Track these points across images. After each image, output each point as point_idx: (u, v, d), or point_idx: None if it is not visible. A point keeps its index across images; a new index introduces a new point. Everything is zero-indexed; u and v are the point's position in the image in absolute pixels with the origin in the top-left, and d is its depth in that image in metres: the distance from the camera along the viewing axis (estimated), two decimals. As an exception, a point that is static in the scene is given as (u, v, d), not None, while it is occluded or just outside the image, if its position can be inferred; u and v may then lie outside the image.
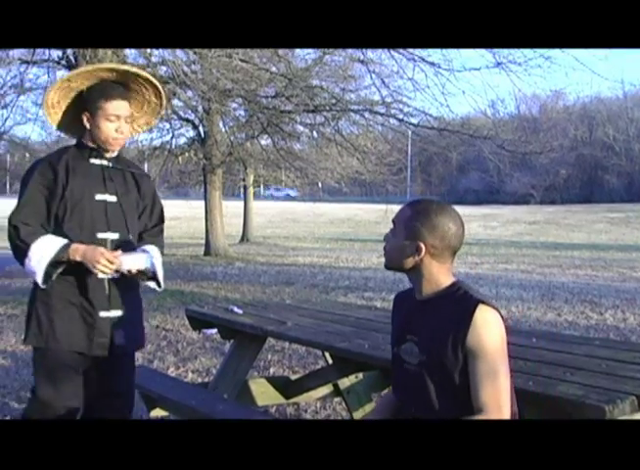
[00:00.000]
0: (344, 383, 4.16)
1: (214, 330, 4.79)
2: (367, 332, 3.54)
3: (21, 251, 2.64)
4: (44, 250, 2.61)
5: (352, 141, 12.64)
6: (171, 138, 15.80)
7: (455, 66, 9.47)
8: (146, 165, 16.82)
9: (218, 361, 5.39)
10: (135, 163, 3.18)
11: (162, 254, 2.96)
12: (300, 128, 13.80)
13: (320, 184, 22.48)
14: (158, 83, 2.85)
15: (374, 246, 18.95)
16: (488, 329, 1.96)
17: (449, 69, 9.42)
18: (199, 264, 14.32)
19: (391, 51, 9.31)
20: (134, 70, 2.85)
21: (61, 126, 2.85)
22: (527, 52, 8.94)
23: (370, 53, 9.82)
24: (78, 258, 2.61)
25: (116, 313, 2.74)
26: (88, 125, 2.73)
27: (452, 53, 12.42)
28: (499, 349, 1.97)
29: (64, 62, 8.81)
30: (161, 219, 3.01)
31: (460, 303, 2.01)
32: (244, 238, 22.21)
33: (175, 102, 12.28)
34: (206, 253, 16.52)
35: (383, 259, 2.15)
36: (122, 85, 2.78)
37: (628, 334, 6.88)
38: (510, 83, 9.61)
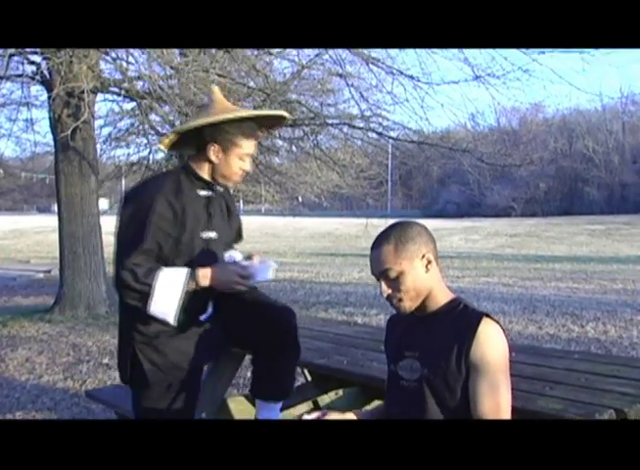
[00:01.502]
0: (324, 400, 4.14)
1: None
2: (346, 348, 3.55)
3: (142, 294, 2.46)
4: (171, 285, 2.47)
5: (332, 155, 12.66)
6: (149, 153, 15.73)
7: (434, 79, 9.50)
8: (123, 182, 16.74)
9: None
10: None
11: None
12: (279, 142, 13.81)
13: (300, 198, 22.47)
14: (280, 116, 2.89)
15: (355, 260, 18.96)
16: (492, 343, 1.97)
17: (428, 82, 9.49)
18: (178, 281, 14.21)
19: (370, 65, 9.36)
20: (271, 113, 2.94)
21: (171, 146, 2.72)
22: (506, 65, 9.03)
23: (349, 66, 9.87)
24: (208, 283, 2.54)
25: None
26: (215, 158, 2.63)
27: (431, 66, 12.56)
28: (502, 363, 1.98)
29: (38, 77, 8.78)
30: (241, 235, 3.02)
31: (463, 317, 2.03)
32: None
33: (152, 117, 12.26)
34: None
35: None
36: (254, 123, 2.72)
37: (609, 346, 6.91)
38: (489, 96, 9.73)
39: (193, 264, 2.56)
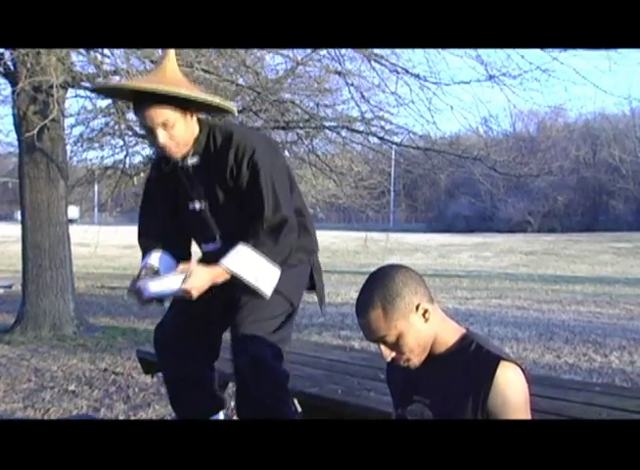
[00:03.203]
0: (316, 433, 4.13)
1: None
2: (341, 376, 3.54)
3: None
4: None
5: (328, 161, 12.68)
6: (125, 156, 15.72)
7: (443, 78, 9.52)
8: (96, 187, 16.75)
9: (174, 409, 5.34)
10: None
11: None
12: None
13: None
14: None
15: (352, 278, 18.95)
16: (512, 390, 1.96)
17: (436, 82, 9.52)
18: (155, 299, 14.21)
19: (372, 62, 9.39)
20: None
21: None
22: (523, 64, 9.05)
23: (348, 64, 9.90)
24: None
25: None
26: None
27: (440, 65, 12.61)
28: (523, 410, 1.98)
29: (1, 69, 8.77)
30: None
31: (477, 360, 2.01)
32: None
33: (130, 116, 12.27)
34: (164, 285, 16.40)
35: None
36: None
37: (636, 378, 6.90)
38: (504, 98, 9.77)
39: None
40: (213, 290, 2.88)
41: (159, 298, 2.91)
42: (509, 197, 48.92)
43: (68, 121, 12.47)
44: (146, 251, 3.14)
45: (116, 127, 13.07)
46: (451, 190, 56.49)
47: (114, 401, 5.86)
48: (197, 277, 2.81)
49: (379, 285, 2.04)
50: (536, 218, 51.46)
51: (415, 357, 2.06)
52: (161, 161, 3.13)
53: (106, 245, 26.26)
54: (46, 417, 5.35)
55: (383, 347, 2.05)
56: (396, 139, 11.17)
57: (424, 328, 2.03)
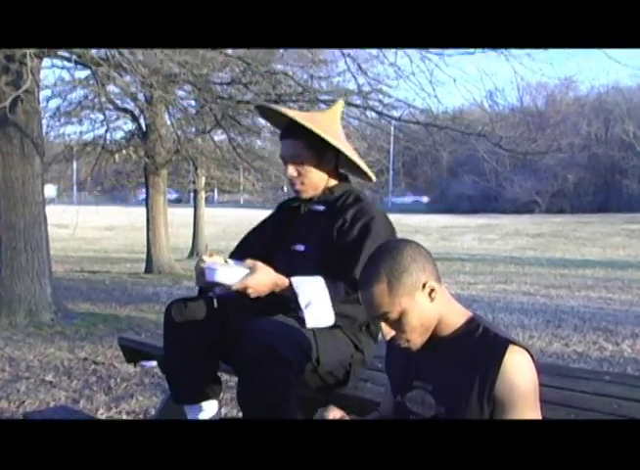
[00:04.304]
0: (309, 427, 4.14)
1: (154, 363, 4.75)
2: (336, 365, 3.52)
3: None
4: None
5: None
6: (106, 132, 15.67)
7: (445, 49, 9.49)
8: (75, 165, 16.71)
9: (159, 400, 5.35)
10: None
11: None
12: (262, 122, 13.80)
13: (285, 188, 22.48)
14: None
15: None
16: (520, 375, 1.96)
17: (438, 52, 9.49)
18: (138, 283, 14.24)
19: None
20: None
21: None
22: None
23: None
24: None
25: None
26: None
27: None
28: (531, 398, 1.98)
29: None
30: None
31: (484, 344, 2.01)
32: (193, 252, 22.11)
33: (111, 88, 12.22)
34: (148, 269, 16.43)
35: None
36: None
37: (649, 368, 6.93)
38: (511, 70, 9.75)
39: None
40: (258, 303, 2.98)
41: (218, 285, 2.95)
42: (515, 175, 48.87)
43: (43, 93, 12.46)
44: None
45: (96, 100, 13.03)
46: (454, 168, 56.37)
47: (95, 393, 5.86)
48: (261, 276, 2.88)
49: (386, 258, 2.02)
50: (544, 198, 51.37)
51: (416, 338, 2.05)
52: (290, 201, 3.42)
53: (85, 226, 26.26)
54: (21, 410, 5.36)
55: (383, 324, 2.04)
56: (396, 114, 11.16)
57: (429, 308, 2.03)
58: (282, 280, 2.91)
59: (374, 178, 3.40)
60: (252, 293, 2.89)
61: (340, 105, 3.36)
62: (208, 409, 3.24)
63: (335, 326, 2.98)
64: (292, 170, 3.15)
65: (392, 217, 3.27)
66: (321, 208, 3.25)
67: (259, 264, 2.91)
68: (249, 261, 2.93)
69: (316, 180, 3.20)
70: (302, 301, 2.87)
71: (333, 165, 3.24)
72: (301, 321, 2.88)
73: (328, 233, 3.13)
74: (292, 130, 3.12)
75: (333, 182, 3.26)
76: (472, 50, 9.35)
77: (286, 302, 2.92)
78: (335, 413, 2.17)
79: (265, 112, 3.44)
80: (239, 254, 3.30)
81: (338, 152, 3.19)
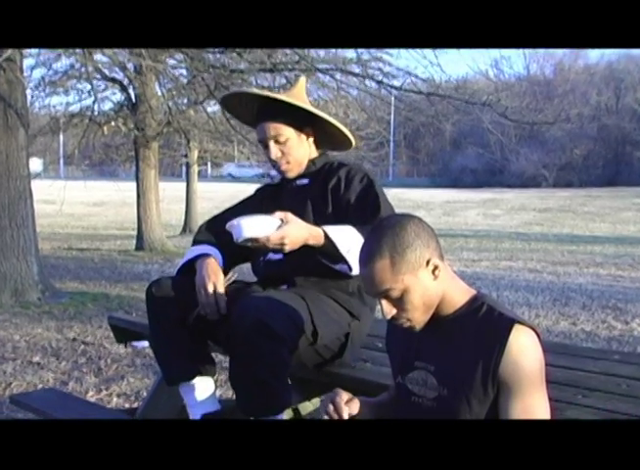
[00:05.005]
0: (306, 407, 4.15)
1: (145, 343, 4.76)
2: (334, 345, 3.53)
3: None
4: None
5: (321, 108, 12.62)
6: (93, 102, 15.57)
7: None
8: (61, 137, 16.64)
9: (151, 382, 5.37)
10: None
11: None
12: (256, 92, 13.74)
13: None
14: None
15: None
16: (526, 356, 1.96)
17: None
18: (129, 261, 14.24)
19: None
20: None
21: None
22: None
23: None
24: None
25: None
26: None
27: None
28: (538, 379, 1.99)
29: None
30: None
31: (488, 323, 2.01)
32: (186, 228, 22.08)
33: (98, 57, 12.16)
34: (139, 247, 16.40)
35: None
36: None
37: (659, 347, 6.96)
38: (517, 37, 9.68)
39: None
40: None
41: (251, 241, 2.78)
42: (521, 148, 48.82)
43: (27, 62, 12.36)
44: (200, 243, 3.37)
45: (83, 70, 12.93)
46: (457, 140, 56.30)
47: (84, 374, 5.89)
48: (295, 226, 2.82)
49: (389, 233, 2.01)
50: (552, 172, 51.21)
51: (418, 317, 2.05)
52: (268, 185, 3.52)
53: (73, 202, 26.21)
54: (8, 392, 5.38)
55: (384, 301, 2.04)
56: (396, 83, 11.10)
57: (432, 285, 2.03)
58: (316, 230, 2.90)
59: (354, 142, 3.47)
60: (289, 245, 2.82)
61: (302, 81, 3.41)
62: (203, 387, 3.25)
63: (327, 295, 3.05)
64: (275, 151, 3.21)
65: (394, 192, 3.33)
66: (305, 181, 3.32)
67: (290, 215, 2.85)
68: (278, 213, 2.85)
69: (300, 157, 3.27)
70: (343, 248, 2.87)
71: (312, 139, 3.33)
72: (343, 269, 2.95)
73: (321, 201, 3.18)
74: (268, 112, 3.21)
75: (314, 155, 3.35)
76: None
77: (322, 252, 2.95)
78: (343, 396, 2.18)
79: (232, 101, 3.49)
80: (213, 233, 3.35)
81: (313, 125, 3.28)
